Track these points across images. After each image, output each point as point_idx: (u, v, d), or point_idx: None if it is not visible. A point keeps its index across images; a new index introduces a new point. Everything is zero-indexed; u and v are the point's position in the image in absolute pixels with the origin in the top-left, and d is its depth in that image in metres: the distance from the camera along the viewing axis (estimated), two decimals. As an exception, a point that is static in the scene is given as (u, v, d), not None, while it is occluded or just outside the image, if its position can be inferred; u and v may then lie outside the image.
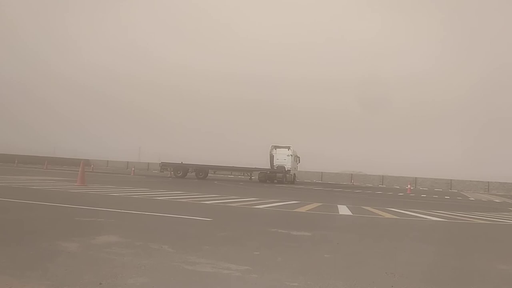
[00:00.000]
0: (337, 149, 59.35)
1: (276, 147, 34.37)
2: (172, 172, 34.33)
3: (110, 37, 75.72)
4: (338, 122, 65.19)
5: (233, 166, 35.16)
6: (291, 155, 33.71)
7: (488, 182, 44.59)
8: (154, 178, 30.50)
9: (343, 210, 12.28)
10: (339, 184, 41.79)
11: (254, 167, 34.05)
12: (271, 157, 33.99)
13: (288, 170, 33.17)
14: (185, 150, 51.63)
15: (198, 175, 33.85)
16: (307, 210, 11.55)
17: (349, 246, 6.60)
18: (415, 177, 47.20)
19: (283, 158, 33.62)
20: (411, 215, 11.97)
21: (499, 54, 63.61)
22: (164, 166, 35.27)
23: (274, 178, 32.90)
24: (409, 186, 34.11)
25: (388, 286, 4.12)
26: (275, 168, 33.26)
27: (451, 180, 46.27)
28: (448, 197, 25.91)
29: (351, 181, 46.91)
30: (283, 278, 4.19)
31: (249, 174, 34.63)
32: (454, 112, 61.07)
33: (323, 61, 69.32)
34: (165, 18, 76.33)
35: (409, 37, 71.36)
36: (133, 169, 38.97)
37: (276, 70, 67.88)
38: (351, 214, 11.47)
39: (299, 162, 36.08)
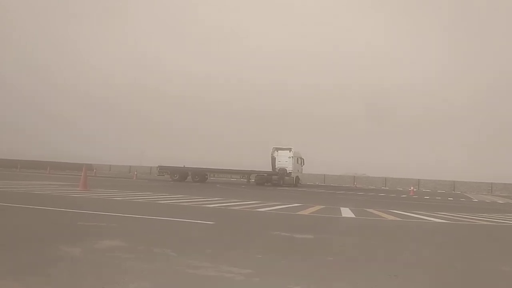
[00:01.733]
0: (339, 152, 59.20)
1: (277, 149, 33.77)
2: (170, 176, 34.20)
3: (117, 48, 76.65)
4: (341, 124, 65.16)
5: (230, 169, 34.55)
6: (293, 157, 33.16)
7: (492, 183, 44.40)
8: (156, 182, 30.51)
9: (346, 212, 12.25)
10: (342, 186, 41.71)
11: (251, 169, 33.48)
12: (273, 159, 33.48)
13: (289, 172, 32.67)
14: (188, 154, 51.58)
15: (194, 179, 33.54)
16: (310, 213, 11.53)
17: (352, 248, 6.58)
18: (418, 179, 47.05)
19: (284, 160, 33.03)
20: (414, 217, 11.93)
21: (505, 59, 63.74)
22: (161, 169, 35.20)
23: (271, 180, 32.31)
24: (412, 188, 34.00)
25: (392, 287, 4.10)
26: (277, 170, 32.75)
27: (454, 181, 46.09)
28: (452, 199, 25.82)
29: (353, 184, 46.80)
30: (286, 281, 4.18)
31: (246, 177, 33.83)
32: (458, 118, 61.01)
33: (328, 70, 69.57)
34: (173, 27, 76.90)
35: (413, 45, 71.50)
36: (135, 173, 39.06)
37: (280, 78, 68.43)
38: (354, 216, 11.45)
39: (303, 164, 35.22)
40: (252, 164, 34.21)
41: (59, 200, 12.15)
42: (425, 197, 27.04)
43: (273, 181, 32.22)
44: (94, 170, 41.79)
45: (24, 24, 71.92)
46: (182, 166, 34.37)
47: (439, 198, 26.41)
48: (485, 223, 11.45)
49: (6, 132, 58.75)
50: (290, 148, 33.63)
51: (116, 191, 16.83)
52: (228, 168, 34.63)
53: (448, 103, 61.64)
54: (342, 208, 13.32)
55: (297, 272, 4.65)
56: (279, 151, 33.62)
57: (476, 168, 50.07)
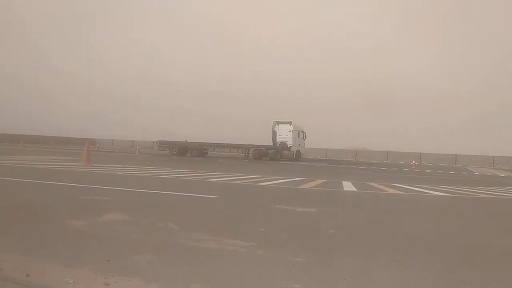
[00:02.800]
0: (341, 126, 59.15)
1: (278, 122, 33.19)
2: (169, 150, 34.16)
3: (119, 39, 76.92)
4: (343, 103, 65.16)
5: (228, 143, 34.20)
6: (293, 130, 32.55)
7: (493, 156, 44.38)
8: (159, 156, 30.63)
9: (348, 186, 12.31)
10: (344, 160, 41.79)
11: (249, 143, 33.04)
12: (274, 133, 32.95)
13: (289, 146, 32.25)
14: (190, 129, 51.64)
15: (192, 153, 33.35)
16: (312, 187, 11.60)
17: (353, 221, 6.64)
18: (420, 153, 47.05)
19: (285, 134, 32.49)
20: (416, 190, 11.99)
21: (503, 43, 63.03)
22: (161, 144, 35.15)
23: (268, 155, 31.82)
24: (413, 161, 33.98)
25: (392, 261, 4.15)
26: (278, 144, 32.41)
27: (456, 155, 46.12)
28: (453, 172, 25.90)
29: (355, 158, 46.88)
30: (288, 254, 4.23)
31: (245, 151, 33.38)
32: (458, 99, 60.81)
33: (328, 58, 69.40)
34: (175, 21, 76.61)
35: (411, 33, 70.63)
36: (138, 147, 39.10)
37: (278, 67, 69.26)
38: (356, 190, 11.51)
39: (305, 138, 34.64)
40: (254, 138, 34.03)
41: (63, 174, 12.23)
42: (427, 170, 27.13)
43: (269, 155, 31.78)
44: (97, 145, 41.81)
45: (32, 18, 71.42)
46: (184, 140, 34.36)
47: (441, 171, 26.49)
48: (486, 196, 11.51)
49: (9, 108, 58.82)
50: (290, 122, 33.02)
51: (119, 165, 16.91)
52: (226, 143, 34.28)
53: (448, 87, 61.26)
54: (343, 182, 13.39)
55: (299, 244, 4.71)
56: (279, 125, 33.09)
57: (478, 142, 50.00)
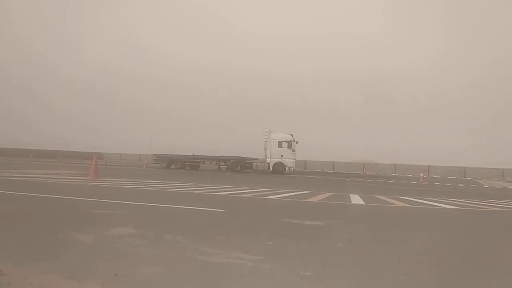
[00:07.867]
0: (348, 139, 58.86)
1: (270, 132, 30.94)
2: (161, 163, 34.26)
3: (113, 37, 77.13)
4: (348, 112, 64.79)
5: (204, 155, 33.80)
6: (268, 140, 30.18)
7: (503, 169, 43.84)
8: (166, 170, 30.70)
9: (356, 199, 12.23)
10: (351, 173, 41.54)
11: (220, 155, 32.57)
12: (265, 143, 30.86)
13: (263, 158, 30.44)
14: (197, 142, 51.70)
15: (177, 165, 33.16)
16: (319, 200, 11.54)
17: (361, 235, 6.58)
18: (428, 165, 46.60)
19: (269, 144, 30.29)
20: (424, 203, 11.87)
21: (503, 44, 62.45)
22: (156, 157, 35.17)
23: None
24: (422, 174, 33.65)
25: (401, 274, 4.10)
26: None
27: (465, 167, 45.62)
28: (462, 185, 25.60)
29: (363, 170, 46.58)
30: (296, 267, 4.20)
31: (222, 163, 32.37)
32: (462, 103, 60.10)
33: (326, 57, 69.12)
34: (168, 17, 77.41)
35: (412, 30, 70.30)
36: (145, 161, 39.27)
37: (282, 66, 68.63)
38: (364, 203, 11.43)
39: (292, 148, 30.30)
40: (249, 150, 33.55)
41: (71, 188, 12.31)
42: (436, 183, 26.85)
43: (227, 166, 30.96)
44: (105, 159, 42.14)
45: (26, 23, 72.42)
46: (192, 154, 34.40)
47: (450, 184, 26.21)
48: (495, 209, 11.36)
49: (17, 124, 59.59)
50: (267, 131, 30.54)
51: (127, 179, 16.98)
52: (204, 155, 33.99)
53: (450, 88, 60.79)
54: (351, 195, 13.30)
55: (307, 258, 4.68)
56: (271, 135, 30.97)
57: (487, 154, 49.47)
